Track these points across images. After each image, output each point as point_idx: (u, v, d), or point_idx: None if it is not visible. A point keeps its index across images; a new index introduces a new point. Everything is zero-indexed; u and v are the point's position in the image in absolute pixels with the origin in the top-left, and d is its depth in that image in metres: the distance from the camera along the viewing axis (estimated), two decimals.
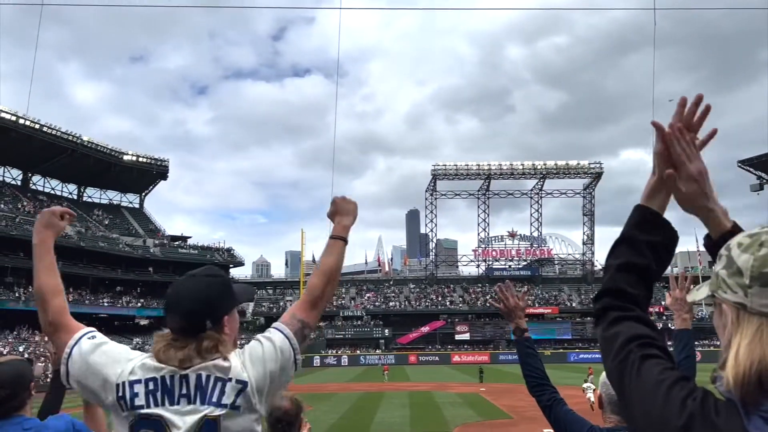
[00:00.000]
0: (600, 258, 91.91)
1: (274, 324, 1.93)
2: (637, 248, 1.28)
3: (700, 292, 1.21)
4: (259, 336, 1.90)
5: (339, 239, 2.13)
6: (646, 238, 1.28)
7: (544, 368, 2.76)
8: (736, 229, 1.29)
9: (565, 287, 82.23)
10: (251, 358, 1.83)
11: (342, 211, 2.18)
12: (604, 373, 2.54)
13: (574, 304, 77.43)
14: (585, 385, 22.96)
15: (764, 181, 61.26)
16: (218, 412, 1.70)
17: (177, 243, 79.30)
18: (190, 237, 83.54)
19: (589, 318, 71.71)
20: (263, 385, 1.79)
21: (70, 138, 67.87)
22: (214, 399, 1.71)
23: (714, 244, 1.30)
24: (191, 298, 1.84)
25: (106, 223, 74.90)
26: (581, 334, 70.56)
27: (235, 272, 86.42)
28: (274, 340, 1.88)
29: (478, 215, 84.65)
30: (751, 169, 62.43)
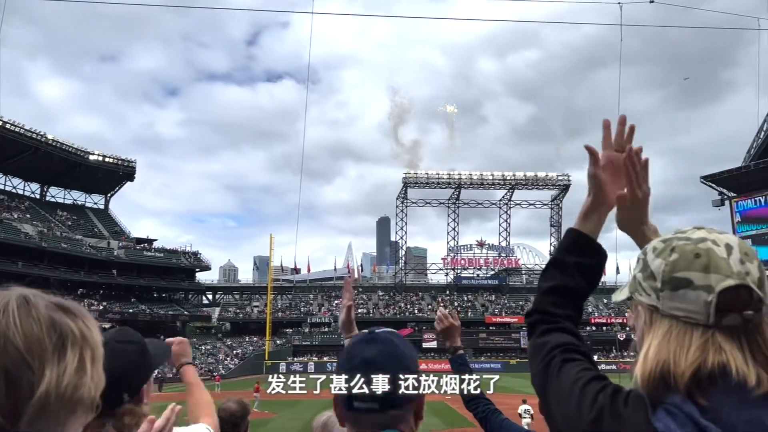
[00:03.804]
0: None
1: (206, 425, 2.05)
2: (566, 271, 1.34)
3: (622, 293, 1.25)
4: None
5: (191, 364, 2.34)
6: (574, 260, 1.34)
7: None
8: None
9: (532, 297, 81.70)
10: None
11: (185, 354, 2.34)
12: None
13: None
14: (521, 409, 21.00)
15: (725, 196, 63.12)
16: None
17: (142, 246, 77.78)
18: (155, 240, 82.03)
19: None
20: None
21: (34, 136, 66.21)
22: None
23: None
24: (107, 370, 1.62)
25: (69, 223, 73.18)
26: None
27: (202, 276, 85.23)
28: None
29: (448, 224, 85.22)
30: (713, 185, 64.16)
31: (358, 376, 1.31)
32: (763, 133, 66.71)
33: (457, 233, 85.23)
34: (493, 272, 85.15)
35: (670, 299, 1.08)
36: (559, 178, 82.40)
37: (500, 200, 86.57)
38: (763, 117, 65.00)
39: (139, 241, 78.97)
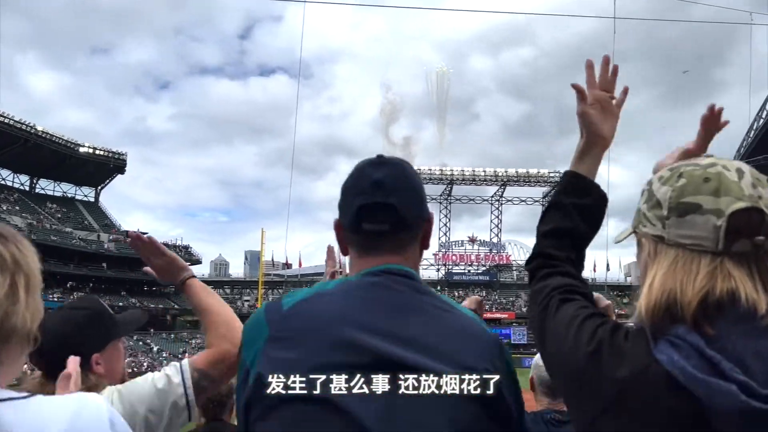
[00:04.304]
0: None
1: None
2: (564, 212, 1.32)
3: (625, 232, 1.20)
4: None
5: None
6: (572, 201, 1.32)
7: None
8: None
9: (522, 293, 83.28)
10: (122, 399, 1.56)
11: (177, 265, 2.04)
12: (537, 356, 2.57)
13: None
14: None
15: None
16: None
17: None
18: (146, 233, 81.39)
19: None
20: (132, 425, 1.50)
21: (24, 127, 65.60)
22: None
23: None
24: (51, 334, 1.53)
25: (59, 216, 72.63)
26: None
27: (193, 270, 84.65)
28: (156, 377, 1.64)
29: (440, 220, 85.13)
30: None
31: (370, 196, 1.23)
32: (753, 131, 67.18)
33: (449, 229, 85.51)
34: (484, 268, 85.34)
35: (676, 227, 1.03)
36: (551, 174, 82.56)
37: (492, 196, 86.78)
38: (753, 115, 65.44)
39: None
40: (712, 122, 1.34)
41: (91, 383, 1.56)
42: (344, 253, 1.35)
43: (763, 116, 65.74)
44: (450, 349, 1.13)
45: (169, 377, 1.65)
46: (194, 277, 2.01)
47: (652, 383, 0.95)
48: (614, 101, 1.40)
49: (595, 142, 1.38)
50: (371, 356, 1.08)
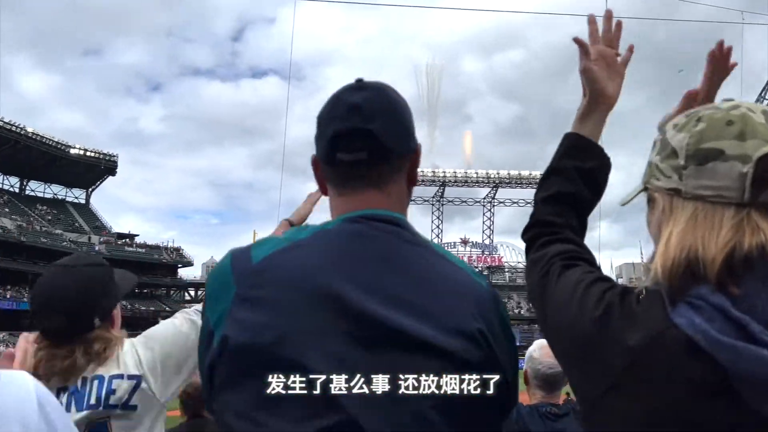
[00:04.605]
0: None
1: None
2: (566, 176, 1.21)
3: (633, 191, 1.06)
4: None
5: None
6: (574, 164, 1.21)
7: None
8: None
9: (515, 294, 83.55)
10: (146, 343, 1.59)
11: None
12: (531, 348, 2.54)
13: (522, 311, 78.73)
14: None
15: None
16: (107, 413, 1.48)
17: (123, 241, 77.03)
18: (137, 235, 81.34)
19: (536, 325, 73.05)
20: (156, 372, 1.55)
21: (13, 129, 65.20)
22: (105, 401, 1.48)
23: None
24: (76, 291, 1.53)
25: (49, 218, 72.18)
26: (529, 340, 71.86)
27: (184, 272, 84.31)
28: (176, 317, 1.67)
29: (432, 221, 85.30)
30: None
31: (345, 121, 1.08)
32: None
33: (441, 231, 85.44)
34: (477, 270, 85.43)
35: (695, 176, 0.89)
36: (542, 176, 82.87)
37: (484, 198, 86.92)
38: None
39: (121, 236, 78.21)
40: (721, 60, 1.21)
41: (116, 339, 1.56)
42: (323, 191, 1.19)
43: None
44: (440, 308, 1.00)
45: (192, 321, 1.66)
46: None
47: (669, 350, 0.83)
48: (619, 59, 1.30)
49: (598, 102, 1.26)
50: (354, 320, 0.96)
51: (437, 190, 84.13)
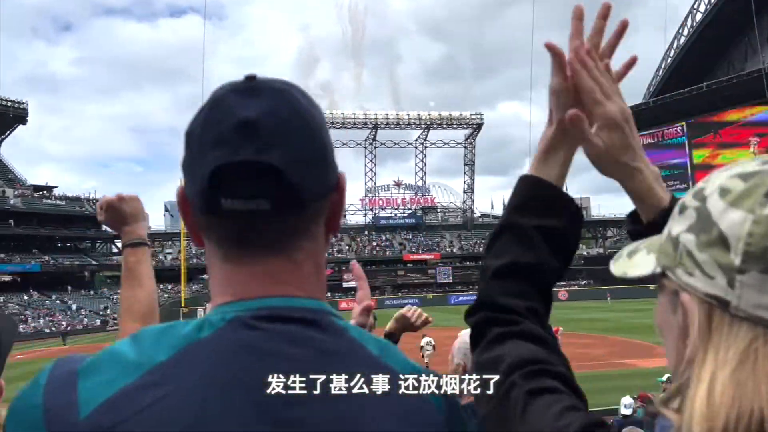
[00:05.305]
0: (479, 205, 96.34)
1: None
2: (524, 239, 0.90)
3: (640, 262, 0.72)
4: None
5: (143, 245, 1.68)
6: (535, 223, 0.90)
7: None
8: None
9: (447, 234, 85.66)
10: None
11: (129, 216, 1.71)
12: (458, 339, 2.29)
13: (455, 250, 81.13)
14: (423, 342, 18.33)
15: None
16: None
17: (41, 193, 72.98)
18: (56, 187, 77.15)
19: (468, 262, 75.71)
20: None
21: None
22: None
23: (648, 226, 0.89)
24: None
25: None
26: (461, 277, 74.35)
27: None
28: None
29: (365, 165, 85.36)
30: None
31: (233, 150, 0.69)
32: (661, 70, 70.44)
33: (375, 174, 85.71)
34: (410, 211, 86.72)
35: (758, 288, 0.57)
36: (472, 116, 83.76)
37: (416, 140, 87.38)
38: (661, 56, 68.48)
39: (37, 188, 73.97)
40: (583, 64, 0.90)
41: None
42: (197, 243, 0.83)
43: (671, 55, 68.94)
44: None
45: None
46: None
47: None
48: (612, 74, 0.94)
49: (569, 133, 0.93)
50: None
51: (369, 133, 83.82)
